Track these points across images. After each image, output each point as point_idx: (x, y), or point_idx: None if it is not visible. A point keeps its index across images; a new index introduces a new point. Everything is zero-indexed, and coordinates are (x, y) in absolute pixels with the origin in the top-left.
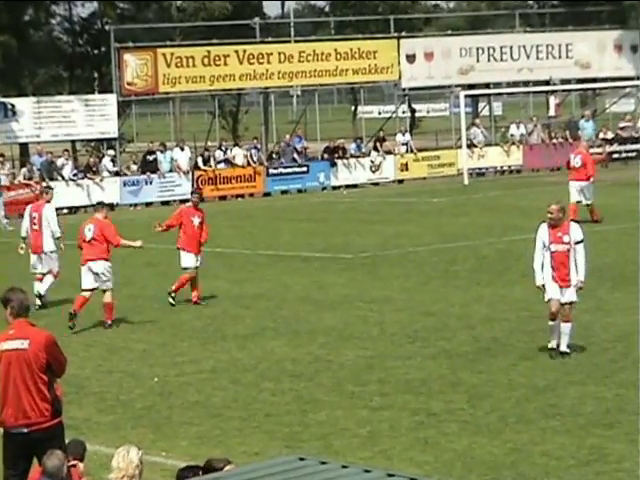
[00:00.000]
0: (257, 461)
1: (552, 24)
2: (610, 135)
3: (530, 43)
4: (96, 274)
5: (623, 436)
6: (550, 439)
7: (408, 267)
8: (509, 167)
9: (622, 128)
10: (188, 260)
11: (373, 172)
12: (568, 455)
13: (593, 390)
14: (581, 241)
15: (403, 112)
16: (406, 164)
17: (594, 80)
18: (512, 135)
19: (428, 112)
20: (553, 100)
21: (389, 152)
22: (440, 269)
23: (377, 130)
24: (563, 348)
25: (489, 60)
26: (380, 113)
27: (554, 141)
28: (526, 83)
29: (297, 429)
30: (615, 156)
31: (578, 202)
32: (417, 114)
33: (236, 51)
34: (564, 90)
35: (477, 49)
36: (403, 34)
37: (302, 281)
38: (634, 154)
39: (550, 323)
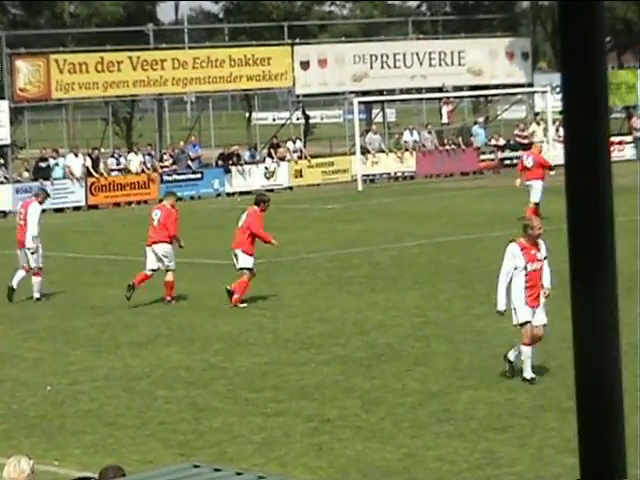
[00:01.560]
0: (151, 469)
1: (445, 31)
2: (502, 141)
3: (423, 50)
4: (158, 255)
5: (515, 440)
6: (443, 444)
7: (302, 274)
8: (402, 173)
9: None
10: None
11: (267, 179)
12: (461, 459)
13: (485, 395)
14: (546, 256)
15: (297, 119)
16: (300, 171)
17: (486, 87)
18: (405, 142)
19: (322, 119)
20: (446, 107)
21: (283, 159)
22: (334, 275)
23: (271, 137)
24: (529, 374)
25: (382, 67)
26: (274, 120)
27: (447, 147)
28: (419, 90)
29: (191, 437)
30: (507, 162)
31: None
32: (311, 121)
33: (130, 57)
34: (457, 97)
35: (371, 56)
36: (297, 41)
37: (197, 288)
38: None
39: (526, 349)
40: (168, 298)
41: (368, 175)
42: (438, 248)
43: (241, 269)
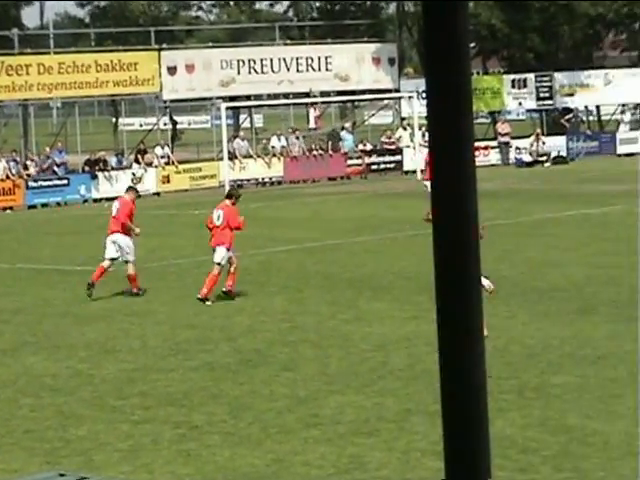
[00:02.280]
0: (16, 478)
1: (312, 37)
2: (369, 147)
3: (290, 56)
4: (117, 245)
5: (382, 444)
6: (311, 449)
7: (170, 279)
8: (270, 179)
9: None
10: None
11: (134, 184)
12: (328, 464)
13: (353, 399)
14: None
15: (164, 124)
16: (168, 176)
17: (353, 92)
18: (273, 147)
19: (190, 124)
20: (313, 112)
21: (150, 164)
22: (202, 281)
23: (138, 142)
24: None
25: (250, 72)
26: (142, 125)
27: (314, 153)
28: (286, 95)
29: (57, 445)
30: (374, 167)
31: None
32: (179, 126)
33: None
34: (324, 102)
35: (238, 61)
36: (164, 46)
37: (63, 295)
38: (392, 165)
39: None
40: (135, 290)
41: (236, 180)
42: (305, 253)
43: (218, 264)
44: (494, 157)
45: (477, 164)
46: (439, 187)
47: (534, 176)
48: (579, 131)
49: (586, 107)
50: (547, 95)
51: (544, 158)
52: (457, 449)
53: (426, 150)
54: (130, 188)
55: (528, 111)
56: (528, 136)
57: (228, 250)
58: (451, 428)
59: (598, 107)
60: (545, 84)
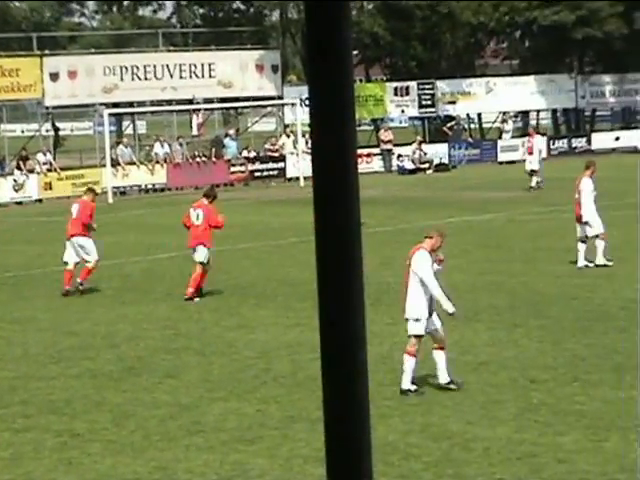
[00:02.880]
0: None
1: (195, 44)
2: (253, 154)
3: (174, 62)
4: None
5: (264, 451)
6: (194, 456)
7: (53, 287)
8: (154, 185)
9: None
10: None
11: (16, 191)
12: (211, 471)
13: (236, 406)
14: None
15: (47, 130)
16: (50, 183)
17: (236, 99)
18: (156, 154)
19: (72, 130)
20: (196, 119)
21: (32, 171)
22: (85, 288)
23: (20, 149)
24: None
25: (133, 79)
26: (23, 132)
27: (197, 160)
28: (170, 102)
29: None
30: (257, 174)
31: None
32: (61, 132)
33: None
34: (207, 109)
35: (121, 68)
36: (46, 52)
37: None
38: (276, 172)
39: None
40: (80, 281)
41: (119, 187)
42: (188, 260)
43: (201, 263)
44: (377, 164)
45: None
46: (321, 194)
47: (416, 183)
48: (461, 139)
49: (468, 115)
50: (429, 103)
51: (426, 165)
52: (338, 458)
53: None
54: (89, 189)
55: (410, 118)
56: (410, 143)
57: (208, 249)
58: (332, 436)
59: (480, 115)
60: (427, 92)
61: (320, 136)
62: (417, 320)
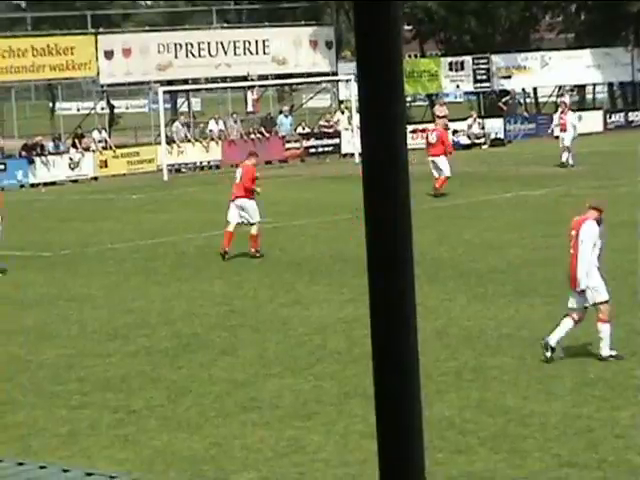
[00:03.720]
0: None
1: (249, 20)
2: (308, 130)
3: (227, 39)
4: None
5: (320, 427)
6: (249, 432)
7: (108, 264)
8: (208, 163)
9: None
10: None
11: (72, 169)
12: (267, 447)
13: (291, 382)
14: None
15: (102, 108)
16: (105, 161)
17: (291, 76)
18: (211, 131)
19: (127, 108)
20: (250, 95)
21: (88, 149)
22: (140, 266)
23: (75, 127)
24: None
25: (187, 56)
26: (79, 110)
27: (252, 137)
28: (224, 79)
29: None
30: (312, 151)
31: (436, 178)
32: (116, 110)
33: None
34: (261, 85)
35: (175, 45)
36: (101, 30)
37: (1, 280)
38: (330, 148)
39: (606, 326)
40: (253, 250)
41: (174, 165)
42: (244, 237)
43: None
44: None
45: (415, 147)
46: (370, 171)
47: (472, 158)
48: (516, 113)
49: (523, 89)
50: (484, 77)
51: (482, 140)
52: (390, 432)
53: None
54: (251, 154)
55: (466, 93)
56: (466, 118)
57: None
58: (383, 412)
59: (535, 89)
60: (482, 66)
61: (368, 112)
62: (596, 288)
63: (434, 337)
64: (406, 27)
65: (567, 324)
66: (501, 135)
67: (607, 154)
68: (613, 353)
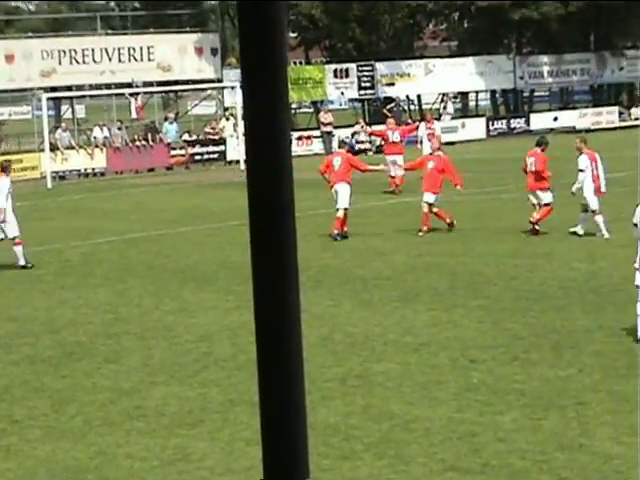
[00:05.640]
0: None
1: (134, 27)
2: (193, 137)
3: (112, 46)
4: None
5: (206, 435)
6: (134, 441)
7: None
8: (93, 170)
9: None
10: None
11: None
12: (152, 456)
13: (177, 390)
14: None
15: None
16: None
17: (176, 83)
18: (95, 138)
19: (10, 115)
20: (135, 103)
21: None
22: (24, 274)
23: None
24: None
25: (71, 62)
26: None
27: (137, 144)
28: (109, 85)
29: None
30: (197, 158)
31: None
32: None
33: None
34: (146, 92)
35: (59, 51)
36: None
37: None
38: (216, 155)
39: None
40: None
41: (58, 172)
42: (128, 244)
43: (344, 209)
44: (317, 146)
45: (300, 153)
46: (254, 177)
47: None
48: (400, 120)
49: (407, 96)
50: (369, 85)
51: (368, 147)
52: (274, 438)
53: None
54: (342, 142)
55: (350, 100)
56: (351, 125)
57: (549, 189)
58: (268, 418)
59: (419, 96)
60: (367, 74)
61: (253, 119)
62: None
63: (319, 343)
64: (291, 34)
65: None
66: None
67: (490, 161)
68: None
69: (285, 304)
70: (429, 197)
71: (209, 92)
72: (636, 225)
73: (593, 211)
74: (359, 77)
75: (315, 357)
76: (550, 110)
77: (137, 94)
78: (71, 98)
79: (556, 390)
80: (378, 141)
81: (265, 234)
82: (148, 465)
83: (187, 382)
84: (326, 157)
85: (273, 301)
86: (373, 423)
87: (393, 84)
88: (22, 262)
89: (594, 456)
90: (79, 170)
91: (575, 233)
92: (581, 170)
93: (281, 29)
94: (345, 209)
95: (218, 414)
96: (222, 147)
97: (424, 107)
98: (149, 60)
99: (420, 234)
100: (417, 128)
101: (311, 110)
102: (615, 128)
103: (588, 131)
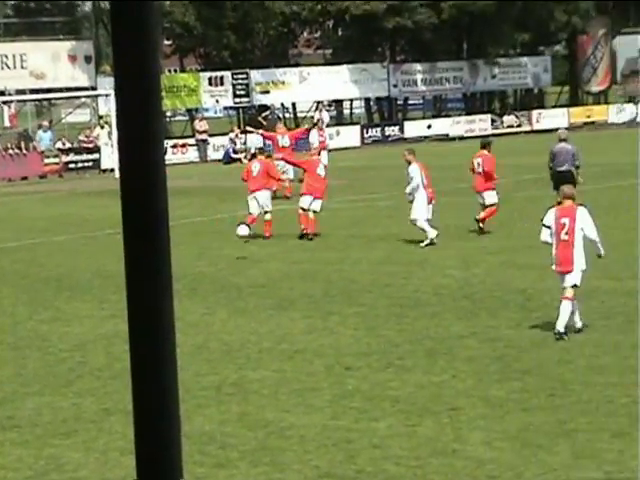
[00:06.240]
0: None
1: (6, 34)
2: (67, 145)
3: None
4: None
5: (80, 445)
6: (7, 452)
7: None
8: None
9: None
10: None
11: None
12: (25, 466)
13: (50, 400)
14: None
15: None
16: None
17: (49, 90)
18: None
19: None
20: (8, 110)
21: None
22: None
23: None
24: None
25: None
26: None
27: (10, 152)
28: None
29: None
30: (71, 166)
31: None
32: None
33: None
34: (19, 100)
35: None
36: None
37: None
38: (90, 164)
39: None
40: (267, 234)
41: None
42: (1, 253)
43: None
44: (192, 154)
45: (175, 162)
46: (128, 185)
47: (232, 173)
48: (275, 128)
49: (282, 104)
50: (244, 92)
51: (243, 155)
52: (148, 447)
53: None
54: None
55: (225, 108)
56: (226, 133)
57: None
58: (141, 427)
59: (294, 104)
60: (241, 81)
61: (126, 127)
62: (583, 271)
63: (194, 352)
64: (165, 42)
65: (567, 307)
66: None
67: (365, 168)
68: (580, 324)
69: (159, 312)
70: (306, 200)
71: (83, 100)
72: (547, 227)
73: (414, 220)
74: (234, 85)
75: (190, 365)
76: (424, 118)
77: (10, 102)
78: None
79: (430, 396)
80: (253, 149)
81: (139, 242)
82: (21, 476)
83: (61, 392)
84: (246, 164)
85: (147, 309)
86: (248, 431)
87: (268, 92)
88: None
89: (467, 461)
90: None
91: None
92: (411, 181)
93: (154, 36)
94: (268, 212)
95: (93, 424)
96: (96, 155)
97: (299, 115)
98: (22, 68)
99: (310, 238)
100: (308, 132)
101: (186, 118)
102: (488, 136)
103: (461, 138)
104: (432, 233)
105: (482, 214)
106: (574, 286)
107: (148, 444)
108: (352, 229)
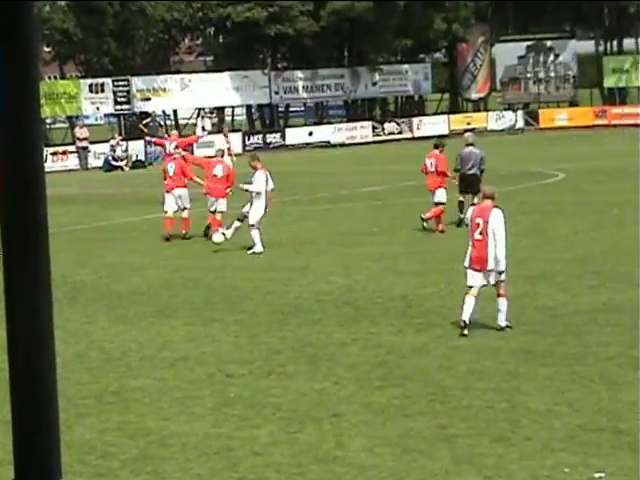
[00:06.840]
0: None
1: None
2: None
3: None
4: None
5: None
6: None
7: None
8: None
9: None
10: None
11: None
12: None
13: None
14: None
15: None
16: None
17: None
18: None
19: None
20: None
21: None
22: None
23: None
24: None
25: None
26: None
27: None
28: None
29: None
30: None
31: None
32: None
33: None
34: None
35: None
36: None
37: None
38: None
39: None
40: (184, 231)
41: None
42: None
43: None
44: (73, 162)
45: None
46: (7, 192)
47: (113, 181)
48: (157, 135)
49: (164, 111)
50: (125, 99)
51: (124, 162)
52: (26, 457)
53: None
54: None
55: (106, 115)
56: (107, 140)
57: (446, 189)
58: (20, 436)
59: (175, 111)
60: (122, 88)
61: (5, 134)
62: (501, 273)
63: (75, 360)
64: (45, 48)
65: (471, 302)
66: (142, 157)
67: (245, 175)
68: (509, 324)
69: (38, 320)
70: (210, 202)
71: None
72: (467, 225)
73: (252, 225)
74: (115, 92)
75: (71, 374)
76: (306, 125)
77: None
78: None
79: (312, 403)
80: (134, 157)
81: (18, 250)
82: None
83: None
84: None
85: (26, 317)
86: (129, 440)
87: (149, 99)
88: None
89: (349, 467)
90: None
91: (254, 253)
92: (258, 192)
93: (33, 42)
94: (186, 209)
95: None
96: None
97: (180, 122)
98: None
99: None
100: (196, 140)
101: (66, 125)
102: (369, 142)
103: (342, 145)
104: (258, 248)
105: (428, 213)
106: (500, 282)
107: (27, 454)
108: (235, 236)
